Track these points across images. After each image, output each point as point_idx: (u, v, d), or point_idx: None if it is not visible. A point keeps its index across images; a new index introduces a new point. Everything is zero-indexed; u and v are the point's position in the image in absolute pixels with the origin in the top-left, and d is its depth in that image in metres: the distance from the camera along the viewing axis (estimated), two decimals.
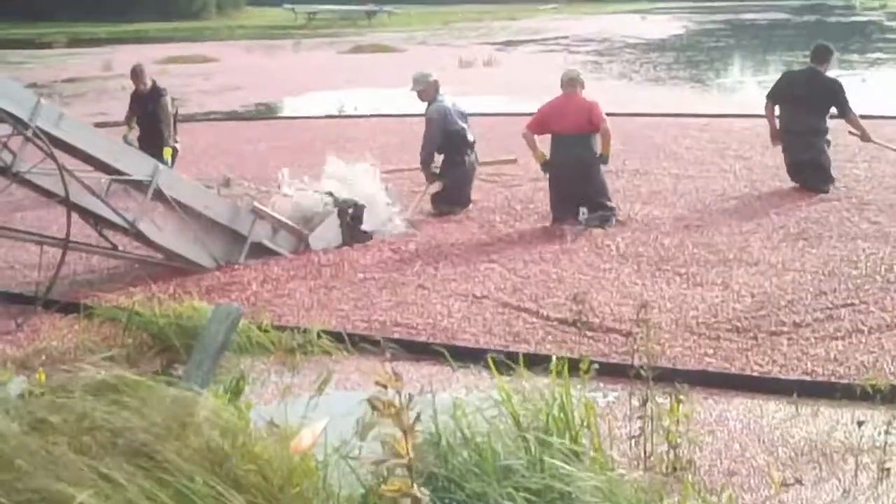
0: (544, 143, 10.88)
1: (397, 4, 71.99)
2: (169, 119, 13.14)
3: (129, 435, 4.32)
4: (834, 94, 11.73)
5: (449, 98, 11.74)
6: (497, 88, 23.13)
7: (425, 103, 11.60)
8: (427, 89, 11.55)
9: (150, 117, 13.14)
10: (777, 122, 11.88)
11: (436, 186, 11.37)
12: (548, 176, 10.85)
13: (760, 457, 5.51)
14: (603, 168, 10.73)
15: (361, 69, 30.93)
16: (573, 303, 7.41)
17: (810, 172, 11.57)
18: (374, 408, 3.68)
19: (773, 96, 12.03)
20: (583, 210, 10.41)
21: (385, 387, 3.60)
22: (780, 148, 11.95)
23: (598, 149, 10.53)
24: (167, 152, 12.66)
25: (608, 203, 10.63)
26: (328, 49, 41.70)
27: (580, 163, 10.46)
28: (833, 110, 11.76)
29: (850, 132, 12.10)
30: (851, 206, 10.75)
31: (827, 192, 11.38)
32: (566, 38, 46.84)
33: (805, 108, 11.56)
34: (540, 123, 10.91)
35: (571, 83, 10.89)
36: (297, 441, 4.98)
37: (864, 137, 12.04)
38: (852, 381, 6.28)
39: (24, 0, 60.45)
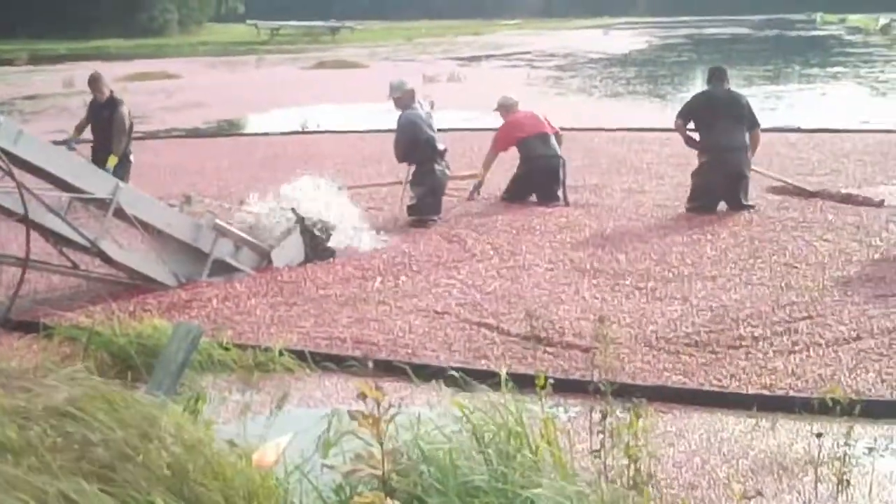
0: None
1: (360, 20, 72.17)
2: (123, 129, 13.06)
3: (91, 454, 4.30)
4: (750, 110, 12.03)
5: (424, 107, 11.88)
6: (461, 104, 23.17)
7: (399, 111, 11.81)
8: (403, 97, 11.79)
9: (105, 127, 13.08)
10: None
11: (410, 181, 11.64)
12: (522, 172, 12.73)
13: (721, 469, 5.55)
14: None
15: (325, 85, 30.94)
16: (527, 318, 7.47)
17: (743, 188, 11.73)
18: (353, 419, 3.70)
19: (689, 116, 12.04)
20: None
21: (365, 397, 3.62)
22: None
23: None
24: (111, 160, 12.65)
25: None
26: (291, 65, 41.75)
27: (556, 155, 12.60)
28: None
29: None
30: (797, 224, 10.85)
31: (754, 207, 11.59)
32: (529, 53, 47.08)
33: (737, 125, 11.78)
34: (508, 139, 12.93)
35: (513, 105, 13.24)
36: (261, 455, 4.98)
37: (752, 153, 12.09)
38: (811, 394, 6.33)
39: None
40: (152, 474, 4.21)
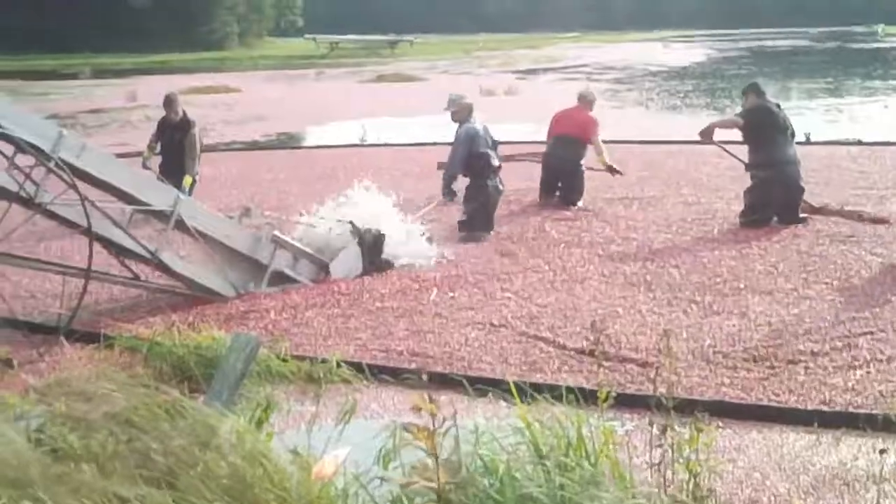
0: None
1: (419, 34, 72.39)
2: (195, 151, 13.21)
3: (152, 462, 4.34)
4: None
5: (481, 122, 11.89)
6: (519, 116, 23.19)
7: (457, 124, 11.90)
8: (461, 111, 11.91)
9: (176, 146, 13.20)
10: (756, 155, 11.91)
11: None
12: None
13: (782, 485, 5.49)
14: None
15: (383, 98, 31.07)
16: (591, 331, 7.43)
17: (798, 202, 11.68)
18: (408, 432, 3.70)
19: (750, 122, 11.89)
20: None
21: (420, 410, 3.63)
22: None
23: (585, 155, 13.38)
24: (187, 181, 12.75)
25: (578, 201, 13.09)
26: (350, 78, 41.97)
27: (566, 161, 13.18)
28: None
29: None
30: (846, 238, 10.74)
31: (807, 219, 11.53)
32: (587, 66, 47.01)
33: (791, 139, 11.95)
34: (549, 131, 13.75)
35: (582, 99, 13.89)
36: (320, 467, 5.00)
37: None
38: (871, 410, 6.26)
39: (49, 31, 61.03)
40: (213, 482, 4.24)
